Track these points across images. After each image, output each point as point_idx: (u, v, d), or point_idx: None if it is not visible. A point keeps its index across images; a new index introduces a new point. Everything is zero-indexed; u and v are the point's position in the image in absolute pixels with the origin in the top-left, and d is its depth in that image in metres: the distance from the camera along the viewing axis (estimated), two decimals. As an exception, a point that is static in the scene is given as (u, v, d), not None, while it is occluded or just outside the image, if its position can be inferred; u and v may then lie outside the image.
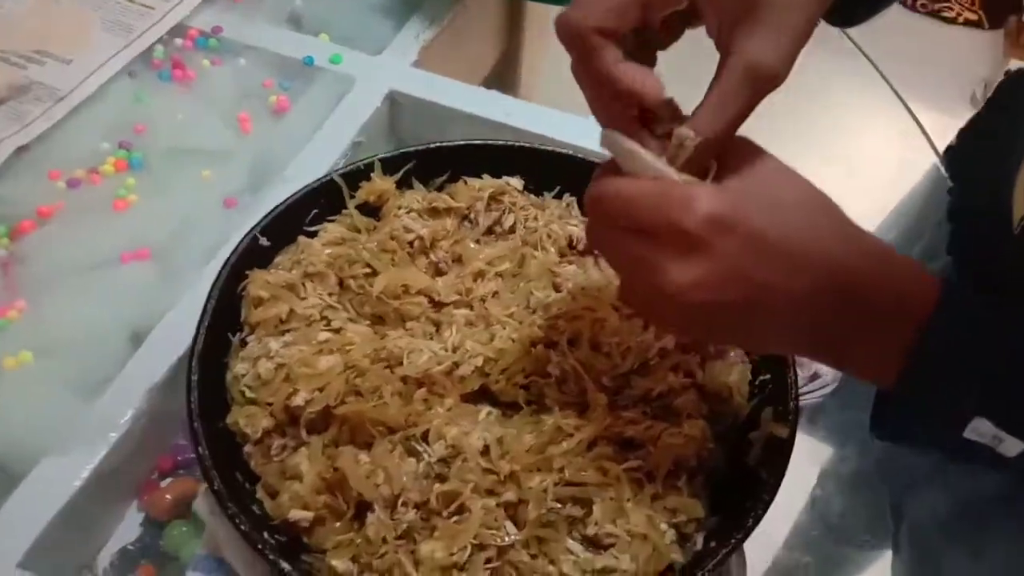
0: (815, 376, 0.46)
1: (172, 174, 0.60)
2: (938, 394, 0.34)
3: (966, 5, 2.41)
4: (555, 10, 0.97)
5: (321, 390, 0.40)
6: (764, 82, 0.33)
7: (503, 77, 0.90)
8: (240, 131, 0.63)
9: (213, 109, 0.64)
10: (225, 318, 0.44)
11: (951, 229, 0.53)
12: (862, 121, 1.00)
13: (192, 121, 0.63)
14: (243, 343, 0.44)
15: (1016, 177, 0.47)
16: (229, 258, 0.45)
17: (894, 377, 0.34)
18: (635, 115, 0.35)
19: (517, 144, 0.53)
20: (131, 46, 0.67)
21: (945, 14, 2.38)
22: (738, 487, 0.41)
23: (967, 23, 2.35)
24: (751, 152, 0.34)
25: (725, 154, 0.34)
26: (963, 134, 0.65)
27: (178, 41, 0.68)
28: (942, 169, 0.66)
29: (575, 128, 0.63)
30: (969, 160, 0.61)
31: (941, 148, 0.70)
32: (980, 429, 0.33)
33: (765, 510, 0.38)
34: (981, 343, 0.33)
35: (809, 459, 0.58)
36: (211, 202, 0.59)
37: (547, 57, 0.92)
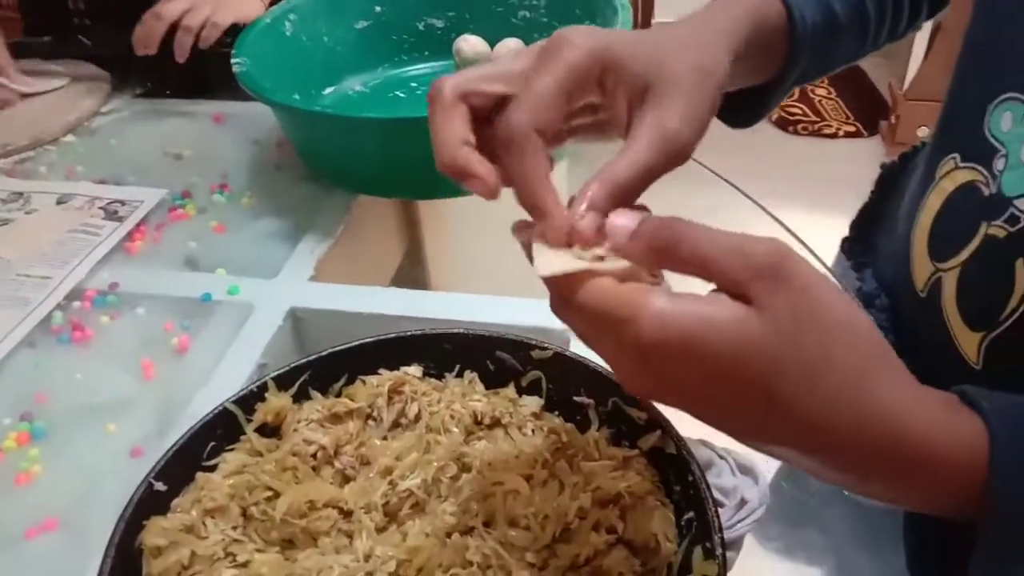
0: (743, 503, 0.45)
1: (76, 435, 0.59)
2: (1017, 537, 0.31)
3: (843, 120, 2.61)
4: (449, 203, 1.01)
5: (228, 633, 0.38)
6: (671, 143, 0.35)
7: (410, 275, 0.93)
8: (143, 378, 0.63)
9: (114, 362, 0.64)
10: (126, 577, 0.42)
11: (871, 314, 0.54)
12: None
13: (93, 378, 0.62)
14: (146, 601, 0.42)
15: (912, 247, 0.49)
16: (124, 511, 0.43)
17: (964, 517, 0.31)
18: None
19: (408, 334, 0.53)
20: (28, 318, 0.67)
21: (826, 132, 2.57)
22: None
23: (848, 135, 2.54)
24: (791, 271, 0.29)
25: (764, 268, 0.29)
26: (856, 224, 0.68)
27: (76, 304, 0.69)
28: (832, 279, 0.69)
29: (476, 308, 0.65)
30: (866, 244, 0.64)
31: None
32: None
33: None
34: None
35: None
36: (118, 456, 0.57)
37: (448, 249, 0.95)
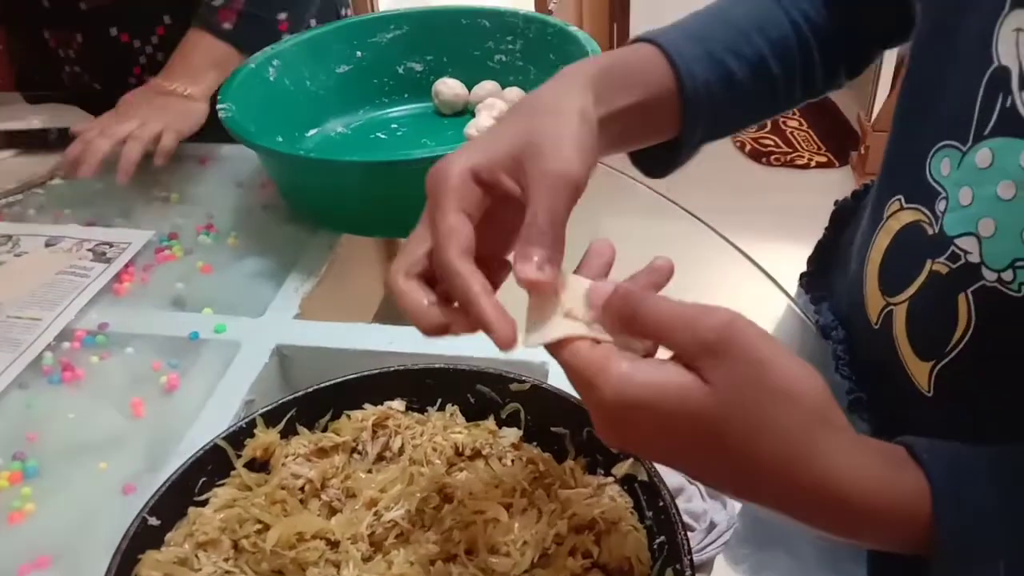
0: (712, 526, 0.47)
1: (68, 474, 0.60)
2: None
3: (814, 151, 2.68)
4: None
5: (221, 662, 0.39)
6: (561, 180, 0.38)
7: (393, 311, 0.95)
8: (133, 416, 0.64)
9: (105, 401, 0.65)
10: (121, 610, 0.43)
11: (829, 344, 0.57)
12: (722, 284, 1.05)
13: (84, 417, 0.64)
14: (141, 633, 0.43)
15: (864, 282, 0.52)
16: (119, 545, 0.45)
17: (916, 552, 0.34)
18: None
19: (391, 369, 0.55)
20: (19, 359, 0.69)
21: (798, 162, 2.63)
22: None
23: (819, 166, 2.60)
24: (737, 341, 0.32)
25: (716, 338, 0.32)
26: (813, 259, 0.71)
27: (66, 344, 0.71)
28: (796, 309, 0.72)
29: (456, 342, 0.66)
30: (824, 279, 0.67)
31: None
32: None
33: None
34: (993, 513, 0.33)
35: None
36: (110, 493, 0.59)
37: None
